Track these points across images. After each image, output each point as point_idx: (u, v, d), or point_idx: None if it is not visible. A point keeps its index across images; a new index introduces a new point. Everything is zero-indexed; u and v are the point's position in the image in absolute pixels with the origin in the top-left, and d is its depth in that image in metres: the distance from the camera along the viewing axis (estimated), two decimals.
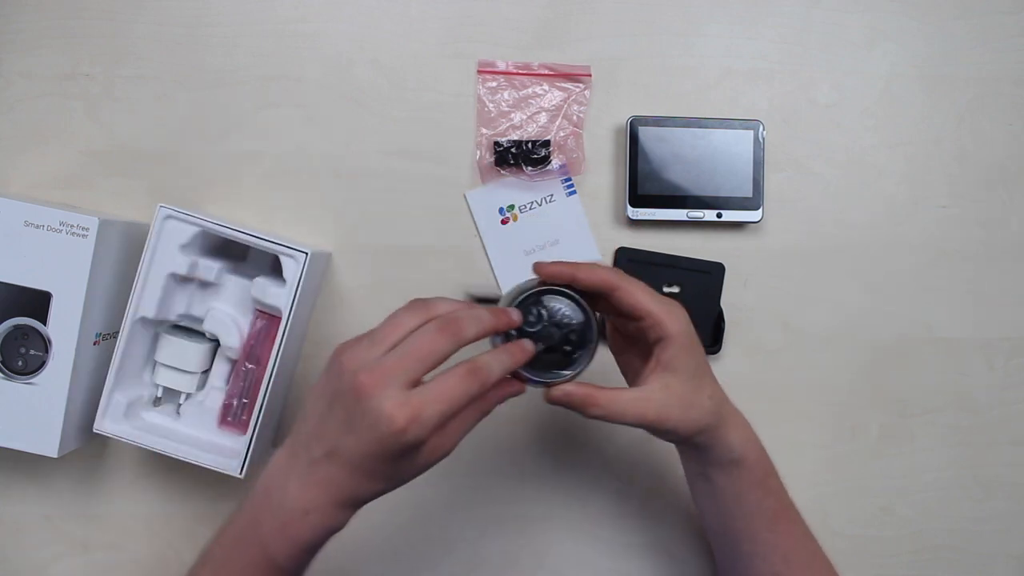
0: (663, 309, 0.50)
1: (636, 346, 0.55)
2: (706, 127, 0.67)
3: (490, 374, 0.46)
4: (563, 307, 0.52)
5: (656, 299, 0.51)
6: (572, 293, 0.51)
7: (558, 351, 0.51)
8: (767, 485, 0.55)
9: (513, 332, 0.51)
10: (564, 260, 0.51)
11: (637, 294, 0.50)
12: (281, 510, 0.47)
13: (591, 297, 0.52)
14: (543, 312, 0.51)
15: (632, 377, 0.57)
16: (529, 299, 0.51)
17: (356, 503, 0.48)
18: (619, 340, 0.57)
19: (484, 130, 0.67)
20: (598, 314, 0.53)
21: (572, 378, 0.51)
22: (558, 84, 0.68)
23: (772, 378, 0.69)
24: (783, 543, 0.56)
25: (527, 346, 0.50)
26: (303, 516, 0.47)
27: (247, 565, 0.48)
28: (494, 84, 0.68)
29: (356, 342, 0.47)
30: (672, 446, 0.70)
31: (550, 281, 0.51)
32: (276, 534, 0.47)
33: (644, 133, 0.67)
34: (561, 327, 0.51)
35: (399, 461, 0.46)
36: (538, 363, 0.51)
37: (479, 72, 0.68)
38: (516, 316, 0.50)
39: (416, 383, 0.45)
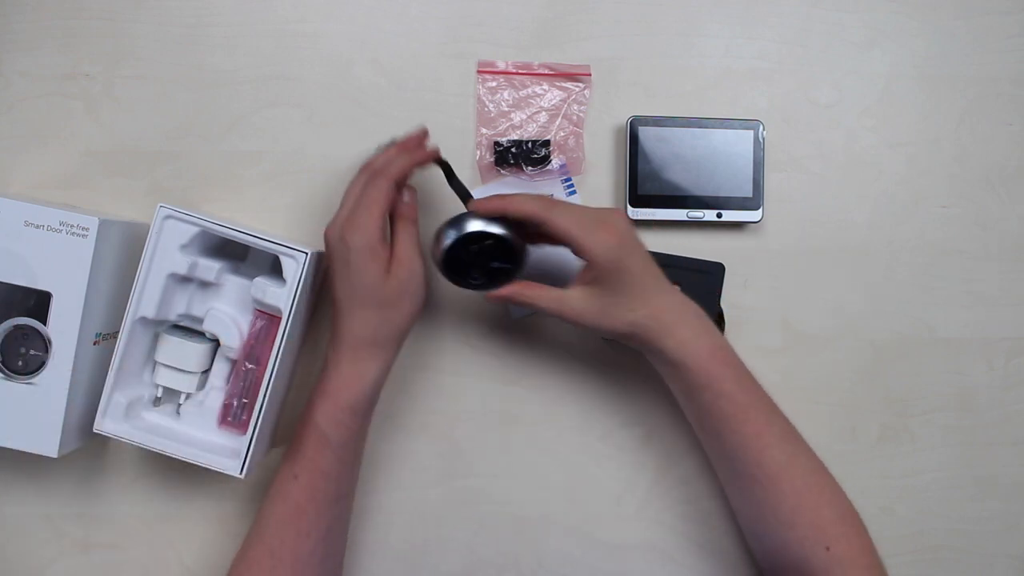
0: (588, 237, 0.54)
1: None
2: (706, 127, 0.67)
3: (389, 167, 0.56)
4: (493, 235, 0.57)
5: (582, 225, 0.55)
6: (497, 229, 0.57)
7: (490, 275, 0.59)
8: (716, 389, 0.57)
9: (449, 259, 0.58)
10: (496, 196, 0.57)
11: (560, 222, 0.55)
12: (324, 379, 0.57)
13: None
14: (475, 247, 0.57)
15: None
16: (462, 240, 0.57)
17: (376, 341, 0.56)
18: None
19: (484, 130, 0.67)
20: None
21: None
22: (558, 84, 0.68)
23: (772, 378, 0.69)
24: (729, 442, 0.59)
25: (428, 146, 0.60)
26: (336, 371, 0.56)
27: (304, 445, 0.57)
28: (494, 84, 0.68)
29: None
30: (670, 454, 0.70)
31: (483, 215, 0.57)
32: (321, 401, 0.56)
33: (644, 133, 0.67)
34: (490, 254, 0.58)
35: (373, 278, 0.54)
36: (473, 285, 0.59)
37: (479, 72, 0.68)
38: (429, 150, 0.60)
39: None
